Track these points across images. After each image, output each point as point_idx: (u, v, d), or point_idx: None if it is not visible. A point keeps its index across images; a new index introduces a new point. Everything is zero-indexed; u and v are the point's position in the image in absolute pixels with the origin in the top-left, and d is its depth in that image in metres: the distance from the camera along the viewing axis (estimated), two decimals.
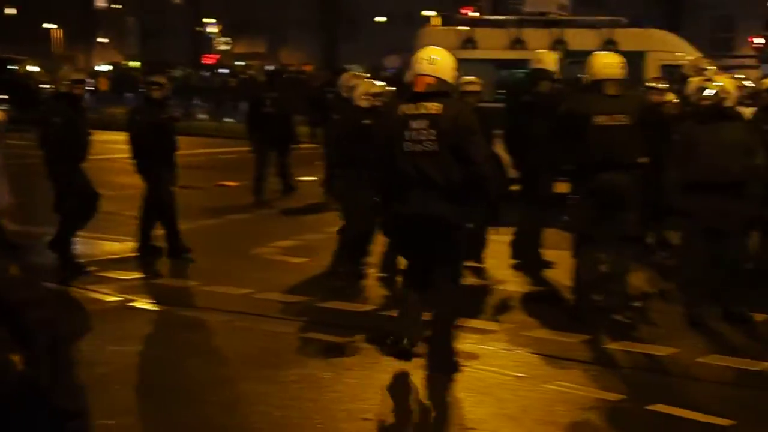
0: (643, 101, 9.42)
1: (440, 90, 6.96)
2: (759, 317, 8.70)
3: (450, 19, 18.33)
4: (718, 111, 8.54)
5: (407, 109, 6.96)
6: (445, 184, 6.82)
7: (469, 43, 16.13)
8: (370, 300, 9.33)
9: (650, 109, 9.45)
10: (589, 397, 6.64)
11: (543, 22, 16.85)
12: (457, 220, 6.94)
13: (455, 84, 7.64)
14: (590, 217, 8.49)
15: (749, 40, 48.87)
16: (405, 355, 7.14)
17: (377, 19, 62.24)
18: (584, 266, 8.62)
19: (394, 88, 11.70)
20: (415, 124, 6.87)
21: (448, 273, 7.12)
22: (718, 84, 8.72)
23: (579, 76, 9.45)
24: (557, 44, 15.65)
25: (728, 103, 8.56)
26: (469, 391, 6.77)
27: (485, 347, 7.81)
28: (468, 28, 16.58)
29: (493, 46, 16.18)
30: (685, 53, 15.16)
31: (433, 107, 6.87)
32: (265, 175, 16.36)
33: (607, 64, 8.57)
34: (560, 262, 10.00)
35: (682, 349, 7.77)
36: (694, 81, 9.91)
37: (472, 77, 10.31)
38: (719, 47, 42.80)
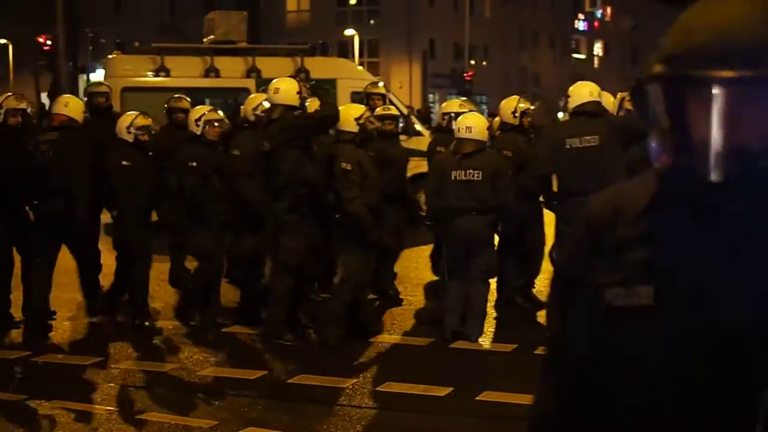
0: None
1: None
2: None
3: (128, 47, 18.16)
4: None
5: None
6: None
7: (161, 71, 16.43)
8: None
9: None
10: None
11: (235, 50, 17.39)
12: None
13: None
14: None
15: None
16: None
17: None
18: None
19: None
20: None
21: None
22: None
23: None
24: (251, 72, 16.38)
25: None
26: None
27: None
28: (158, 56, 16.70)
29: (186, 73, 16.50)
30: (367, 80, 14.99)
31: None
32: None
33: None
34: None
35: None
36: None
37: None
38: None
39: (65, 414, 7.15)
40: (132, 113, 9.77)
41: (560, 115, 16.68)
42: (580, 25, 74.92)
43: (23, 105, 9.76)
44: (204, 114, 9.66)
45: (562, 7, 72.03)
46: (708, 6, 1.70)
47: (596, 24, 75.45)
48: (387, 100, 12.20)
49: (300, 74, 15.95)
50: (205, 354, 8.81)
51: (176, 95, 11.86)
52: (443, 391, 7.50)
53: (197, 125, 9.59)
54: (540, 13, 69.19)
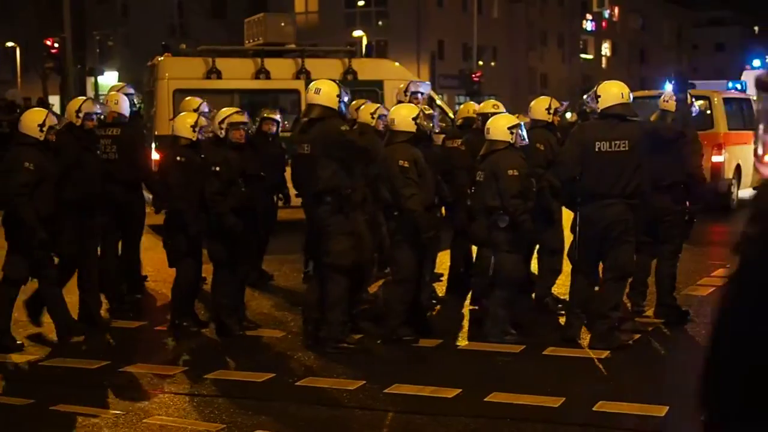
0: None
1: None
2: None
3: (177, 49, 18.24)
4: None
5: None
6: None
7: (213, 73, 16.53)
8: None
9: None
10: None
11: (284, 52, 17.57)
12: None
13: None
14: None
15: None
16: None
17: None
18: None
19: None
20: None
21: None
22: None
23: None
24: (301, 74, 16.49)
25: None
26: None
27: None
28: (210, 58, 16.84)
29: (237, 75, 16.69)
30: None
31: None
32: None
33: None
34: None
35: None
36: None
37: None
38: None
39: (71, 418, 7.13)
40: (192, 114, 10.05)
41: (568, 115, 16.53)
42: (588, 25, 74.87)
43: (98, 109, 10.00)
44: (228, 116, 9.53)
45: (570, 7, 72.01)
46: None
47: (604, 24, 75.40)
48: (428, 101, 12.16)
49: (347, 75, 16.45)
50: (211, 357, 8.79)
51: (271, 107, 12.41)
52: (451, 393, 7.46)
53: (221, 128, 9.53)
54: (548, 14, 69.23)
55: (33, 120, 9.05)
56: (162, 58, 16.93)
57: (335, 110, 8.76)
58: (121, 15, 60.68)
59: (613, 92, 8.84)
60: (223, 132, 9.45)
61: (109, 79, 54.00)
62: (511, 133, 8.97)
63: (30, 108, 10.38)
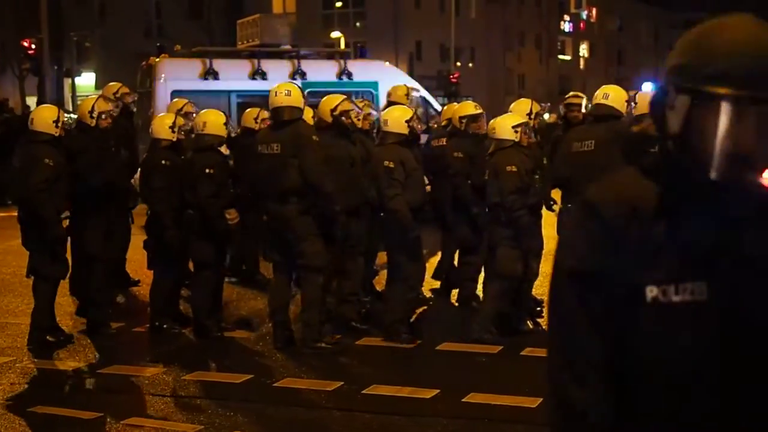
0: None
1: None
2: None
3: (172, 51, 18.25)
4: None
5: None
6: None
7: (210, 74, 16.59)
8: None
9: None
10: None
11: (280, 53, 17.68)
12: None
13: None
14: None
15: None
16: None
17: None
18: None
19: None
20: None
21: None
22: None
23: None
24: (297, 74, 16.67)
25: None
26: None
27: None
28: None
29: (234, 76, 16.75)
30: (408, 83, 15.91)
31: None
32: None
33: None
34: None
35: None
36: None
37: None
38: None
39: (50, 420, 7.13)
40: (170, 114, 10.17)
41: (546, 116, 16.66)
42: (566, 26, 75.12)
43: (111, 106, 10.05)
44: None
45: (548, 8, 72.21)
46: (722, 28, 1.96)
47: (582, 25, 75.62)
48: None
49: (343, 76, 16.80)
50: (190, 358, 8.78)
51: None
52: (429, 393, 7.49)
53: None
54: (526, 15, 69.43)
55: (47, 117, 9.13)
56: (159, 59, 16.92)
57: (302, 110, 8.88)
58: (99, 16, 60.42)
59: (597, 93, 9.24)
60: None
61: (86, 80, 53.79)
62: (516, 131, 9.04)
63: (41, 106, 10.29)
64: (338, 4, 58.20)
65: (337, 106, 9.40)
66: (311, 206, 8.70)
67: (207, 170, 9.16)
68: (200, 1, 57.68)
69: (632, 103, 10.21)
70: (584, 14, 73.05)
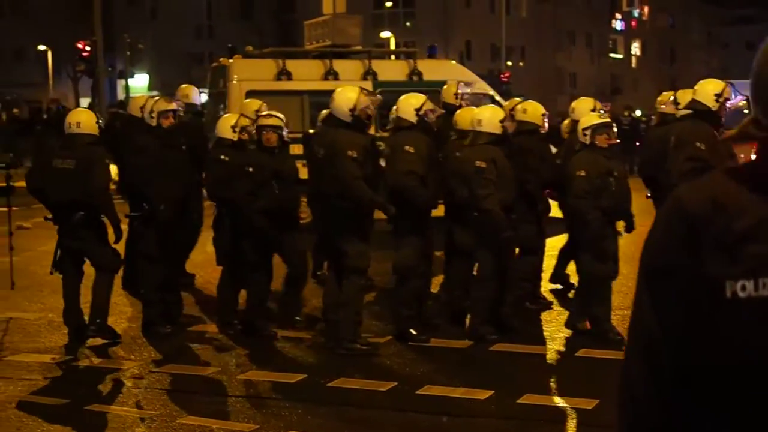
0: None
1: None
2: None
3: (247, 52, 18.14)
4: None
5: None
6: None
7: (283, 74, 16.58)
8: None
9: None
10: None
11: (351, 53, 17.65)
12: None
13: None
14: None
15: None
16: None
17: None
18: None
19: None
20: None
21: None
22: None
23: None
24: (368, 75, 16.67)
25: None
26: None
27: None
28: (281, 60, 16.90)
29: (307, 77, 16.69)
30: (476, 81, 16.19)
31: None
32: None
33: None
34: None
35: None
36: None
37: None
38: None
39: (103, 418, 7.19)
40: (234, 114, 10.33)
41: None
42: (618, 24, 74.53)
43: (173, 106, 10.10)
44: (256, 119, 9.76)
45: (599, 6, 71.70)
46: None
47: (634, 23, 75.03)
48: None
49: (413, 76, 17.00)
50: (244, 358, 8.82)
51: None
52: (484, 394, 7.46)
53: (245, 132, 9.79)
54: (577, 13, 68.95)
55: (91, 118, 9.38)
56: (232, 60, 17.04)
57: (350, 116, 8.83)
58: (150, 17, 60.98)
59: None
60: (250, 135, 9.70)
61: (139, 81, 54.29)
62: (585, 134, 9.21)
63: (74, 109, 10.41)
64: (388, 4, 58.21)
65: (422, 105, 9.34)
66: (356, 208, 8.68)
67: (246, 168, 9.30)
68: (251, 2, 58.07)
69: (676, 103, 10.13)
70: (636, 12, 72.62)
